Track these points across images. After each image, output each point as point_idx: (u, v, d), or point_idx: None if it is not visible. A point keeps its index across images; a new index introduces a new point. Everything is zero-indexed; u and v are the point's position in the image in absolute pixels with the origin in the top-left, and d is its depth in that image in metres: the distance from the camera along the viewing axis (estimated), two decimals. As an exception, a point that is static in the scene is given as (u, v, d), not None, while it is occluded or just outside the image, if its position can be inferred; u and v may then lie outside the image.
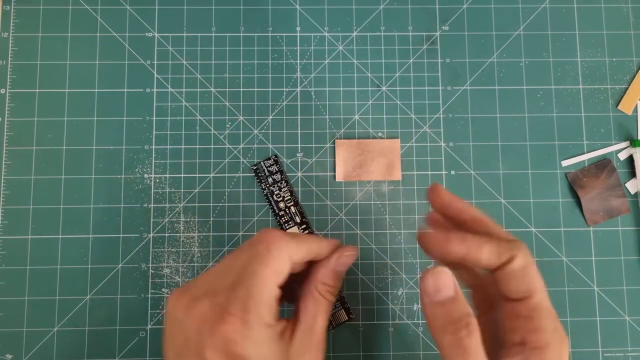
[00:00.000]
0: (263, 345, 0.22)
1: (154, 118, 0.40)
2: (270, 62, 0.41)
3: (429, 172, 0.40)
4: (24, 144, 0.40)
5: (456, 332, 0.21)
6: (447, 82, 0.41)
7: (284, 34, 0.41)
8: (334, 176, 0.40)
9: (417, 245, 0.39)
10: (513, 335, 0.22)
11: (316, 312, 0.25)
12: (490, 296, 0.26)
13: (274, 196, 0.39)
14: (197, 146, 0.40)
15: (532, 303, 0.22)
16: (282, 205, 0.39)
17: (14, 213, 0.39)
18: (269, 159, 0.40)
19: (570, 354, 0.38)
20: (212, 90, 0.41)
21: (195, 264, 0.39)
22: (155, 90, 0.40)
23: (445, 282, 0.22)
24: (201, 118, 0.40)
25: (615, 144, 0.40)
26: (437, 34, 0.42)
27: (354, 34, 0.42)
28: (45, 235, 0.39)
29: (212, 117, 0.40)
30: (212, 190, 0.40)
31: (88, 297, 0.38)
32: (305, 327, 0.25)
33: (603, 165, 0.40)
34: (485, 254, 0.22)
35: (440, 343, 0.22)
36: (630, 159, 0.40)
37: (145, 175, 0.40)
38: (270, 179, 0.39)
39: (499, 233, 0.24)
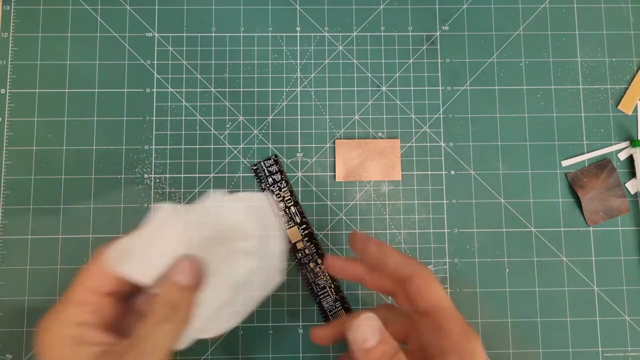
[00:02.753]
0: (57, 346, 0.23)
1: (154, 118, 0.40)
2: (270, 62, 0.41)
3: (429, 172, 0.40)
4: (24, 144, 0.40)
5: None
6: (447, 82, 0.41)
7: (284, 34, 0.41)
8: (334, 176, 0.40)
9: (417, 245, 0.39)
10: (432, 348, 0.25)
11: (153, 335, 0.23)
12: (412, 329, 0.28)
13: (274, 196, 0.39)
14: (197, 146, 0.40)
15: (439, 314, 0.26)
16: (282, 205, 0.39)
17: (14, 213, 0.39)
18: (269, 159, 0.40)
19: (570, 354, 0.38)
20: (212, 90, 0.41)
21: (195, 264, 0.39)
22: (155, 90, 0.40)
23: (371, 329, 0.24)
24: (201, 118, 0.40)
25: (615, 144, 0.40)
26: (437, 34, 0.42)
27: (354, 34, 0.42)
28: (45, 235, 0.39)
29: (212, 117, 0.40)
30: (212, 190, 0.39)
31: (88, 297, 0.38)
32: (131, 352, 0.22)
33: (603, 165, 0.40)
34: (391, 262, 0.27)
35: None
36: (630, 159, 0.40)
37: (146, 175, 0.40)
38: (270, 179, 0.39)
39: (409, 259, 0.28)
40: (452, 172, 0.40)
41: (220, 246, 0.27)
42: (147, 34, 0.41)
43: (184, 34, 0.41)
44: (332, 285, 0.38)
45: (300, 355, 0.38)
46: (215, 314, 0.27)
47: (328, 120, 0.41)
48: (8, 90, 0.40)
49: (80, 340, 0.23)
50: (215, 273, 0.26)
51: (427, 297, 0.26)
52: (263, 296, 0.28)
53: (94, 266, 0.24)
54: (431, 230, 0.39)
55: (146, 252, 0.25)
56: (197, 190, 0.39)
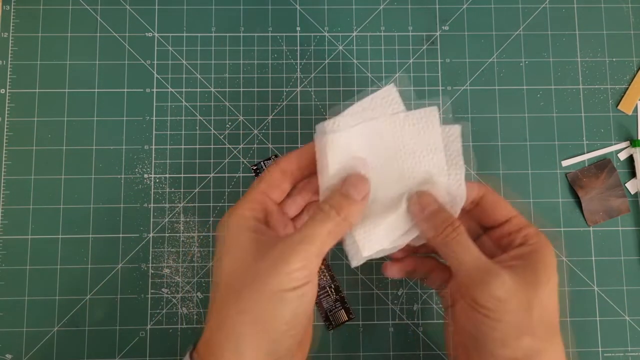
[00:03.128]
0: (235, 229, 0.27)
1: (154, 118, 0.40)
2: (270, 62, 0.41)
3: (429, 172, 0.40)
4: (24, 144, 0.40)
5: (443, 232, 0.27)
6: (447, 82, 0.41)
7: (284, 34, 0.41)
8: (334, 176, 0.40)
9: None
10: (509, 247, 0.28)
11: (311, 225, 0.26)
12: (447, 274, 0.31)
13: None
14: (197, 146, 0.40)
15: (515, 221, 0.29)
16: (282, 205, 0.39)
17: (14, 213, 0.39)
18: (269, 159, 0.40)
19: (571, 353, 0.38)
20: (212, 90, 0.41)
21: (195, 264, 0.39)
22: (155, 90, 0.40)
23: (428, 200, 0.28)
24: (201, 118, 0.40)
25: (615, 144, 0.40)
26: (437, 34, 0.42)
27: (354, 34, 0.42)
28: (45, 235, 0.39)
29: (212, 117, 0.40)
30: (212, 190, 0.40)
31: (88, 297, 0.38)
32: (294, 238, 0.26)
33: (603, 165, 0.40)
34: None
35: (438, 250, 0.28)
36: (630, 159, 0.40)
37: (145, 175, 0.40)
38: (270, 179, 0.39)
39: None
40: (452, 172, 0.40)
41: (390, 167, 0.29)
42: (147, 34, 0.41)
43: (184, 34, 0.41)
44: (332, 286, 0.38)
45: (300, 355, 0.38)
46: (375, 233, 0.28)
47: (328, 120, 0.40)
48: (8, 90, 0.40)
49: (249, 228, 0.27)
50: (383, 189, 0.29)
51: (502, 208, 0.29)
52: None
53: (269, 174, 0.29)
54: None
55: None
56: (197, 190, 0.39)
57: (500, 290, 0.25)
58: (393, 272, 0.32)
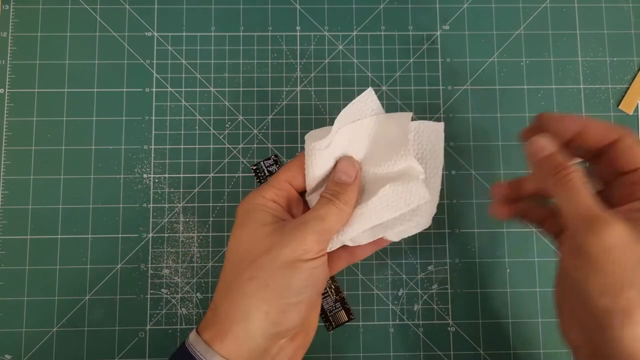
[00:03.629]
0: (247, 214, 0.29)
1: (153, 118, 0.40)
2: (270, 61, 0.41)
3: (430, 172, 0.40)
4: (23, 144, 0.40)
5: (558, 173, 0.26)
6: (447, 82, 0.41)
7: (284, 34, 0.41)
8: (334, 176, 0.40)
9: (418, 246, 0.39)
10: (632, 197, 0.26)
11: (320, 208, 0.28)
12: (559, 223, 0.30)
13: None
14: (197, 146, 0.40)
15: None
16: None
17: (13, 213, 0.39)
18: (269, 158, 0.40)
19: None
20: (212, 89, 0.41)
21: (195, 264, 0.39)
22: (154, 89, 0.40)
23: (544, 143, 0.27)
24: (200, 118, 0.40)
25: (616, 143, 0.40)
26: (438, 33, 0.42)
27: (354, 33, 0.41)
28: (44, 236, 0.39)
29: (212, 117, 0.40)
30: (211, 190, 0.39)
31: (87, 297, 0.38)
32: (307, 217, 0.28)
33: (604, 165, 0.40)
34: (592, 131, 0.28)
35: (551, 192, 0.27)
36: (631, 159, 0.40)
37: (145, 175, 0.39)
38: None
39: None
40: (453, 172, 0.40)
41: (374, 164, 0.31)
42: (146, 33, 0.41)
43: (184, 34, 0.41)
44: (332, 286, 0.38)
45: (300, 355, 0.38)
46: (362, 224, 0.30)
47: (328, 120, 0.40)
48: (7, 90, 0.40)
49: (270, 208, 0.29)
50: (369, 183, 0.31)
51: (635, 155, 0.27)
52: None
53: (293, 163, 0.31)
54: (432, 231, 0.39)
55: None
56: (196, 190, 0.39)
57: (609, 240, 0.23)
58: (502, 213, 0.31)
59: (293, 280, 0.27)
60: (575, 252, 0.24)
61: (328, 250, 0.30)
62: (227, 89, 0.41)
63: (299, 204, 0.31)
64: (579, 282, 0.24)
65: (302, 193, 0.32)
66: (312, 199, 0.31)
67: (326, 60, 0.41)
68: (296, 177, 0.30)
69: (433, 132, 0.31)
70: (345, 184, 0.29)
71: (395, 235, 0.31)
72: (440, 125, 0.31)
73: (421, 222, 0.31)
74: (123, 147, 0.40)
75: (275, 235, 0.27)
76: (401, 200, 0.29)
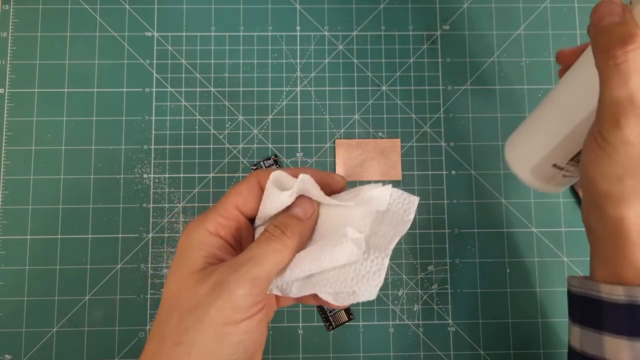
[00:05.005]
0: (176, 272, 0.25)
1: (153, 118, 0.40)
2: (270, 61, 0.41)
3: (429, 172, 0.40)
4: (23, 144, 0.40)
5: (610, 52, 0.22)
6: (447, 82, 0.41)
7: (284, 34, 0.41)
8: (334, 176, 0.40)
9: (418, 246, 0.39)
10: None
11: (257, 246, 0.24)
12: None
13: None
14: (197, 146, 0.40)
15: None
16: (281, 205, 0.39)
17: (13, 213, 0.39)
18: (269, 158, 0.40)
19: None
20: (212, 89, 0.40)
21: (195, 264, 0.39)
22: (154, 89, 0.40)
23: (611, 8, 0.23)
24: (200, 118, 0.40)
25: (617, 143, 0.40)
26: (438, 33, 0.41)
27: (354, 33, 0.41)
28: (44, 236, 0.39)
29: (212, 117, 0.40)
30: (211, 190, 0.39)
31: (87, 297, 0.38)
32: (240, 260, 0.24)
33: (604, 165, 0.40)
34: None
35: (600, 67, 0.23)
36: (632, 159, 0.40)
37: (145, 175, 0.39)
38: (270, 179, 0.39)
39: None
40: (453, 172, 0.40)
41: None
42: (146, 33, 0.41)
43: (184, 34, 0.41)
44: (332, 286, 0.38)
45: (300, 355, 0.38)
46: (295, 270, 0.26)
47: (328, 120, 0.40)
48: (7, 90, 0.40)
49: (208, 244, 0.25)
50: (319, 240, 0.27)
51: None
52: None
53: (244, 186, 0.26)
54: (432, 231, 0.39)
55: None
56: (196, 190, 0.39)
57: (630, 136, 0.23)
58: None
59: (220, 349, 0.23)
60: (593, 142, 0.24)
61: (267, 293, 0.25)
62: (227, 89, 0.41)
63: (252, 234, 0.27)
64: (588, 173, 0.25)
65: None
66: (258, 232, 0.27)
67: (326, 60, 0.41)
68: (247, 201, 0.26)
69: (405, 205, 0.28)
70: (298, 219, 0.26)
71: (332, 298, 0.27)
72: (416, 200, 0.27)
73: (360, 292, 0.26)
74: (123, 147, 0.40)
75: (202, 288, 0.23)
76: (327, 255, 0.25)
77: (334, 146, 0.40)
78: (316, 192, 0.26)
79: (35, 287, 0.38)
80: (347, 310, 0.38)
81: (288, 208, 0.26)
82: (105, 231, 0.39)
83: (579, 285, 0.27)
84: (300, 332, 0.38)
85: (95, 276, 0.38)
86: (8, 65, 0.40)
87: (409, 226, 0.27)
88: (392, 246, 0.26)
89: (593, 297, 0.26)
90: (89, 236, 0.39)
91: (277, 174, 0.26)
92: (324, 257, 0.25)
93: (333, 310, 0.38)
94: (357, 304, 0.38)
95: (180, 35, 0.41)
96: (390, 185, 0.27)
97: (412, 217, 0.27)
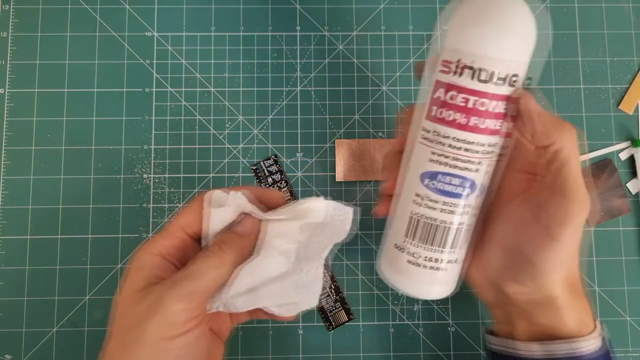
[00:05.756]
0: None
1: (153, 118, 0.40)
2: (270, 61, 0.41)
3: (430, 172, 0.40)
4: (23, 144, 0.40)
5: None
6: (447, 82, 0.41)
7: (284, 33, 0.41)
8: (334, 176, 0.40)
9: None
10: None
11: (195, 263, 0.25)
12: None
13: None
14: (197, 146, 0.40)
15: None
16: (281, 205, 0.39)
17: (13, 213, 0.39)
18: (269, 158, 0.40)
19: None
20: (212, 89, 0.41)
21: (195, 264, 0.39)
22: (154, 89, 0.40)
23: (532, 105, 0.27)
24: (200, 118, 0.40)
25: (616, 143, 0.40)
26: (438, 33, 0.41)
27: (354, 33, 0.41)
28: (44, 236, 0.39)
29: (212, 117, 0.40)
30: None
31: (87, 297, 0.38)
32: (177, 277, 0.24)
33: (604, 165, 0.40)
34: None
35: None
36: (632, 159, 0.40)
37: (145, 175, 0.39)
38: (270, 179, 0.39)
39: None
40: (453, 172, 0.40)
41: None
42: (146, 33, 0.41)
43: (184, 33, 0.41)
44: (332, 286, 0.38)
45: (300, 355, 0.38)
46: (247, 289, 0.27)
47: (328, 120, 0.40)
48: (7, 90, 0.40)
49: (151, 265, 0.25)
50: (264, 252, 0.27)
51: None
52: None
53: (189, 209, 0.27)
54: (431, 231, 0.39)
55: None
56: (196, 190, 0.39)
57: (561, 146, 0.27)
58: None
59: None
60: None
61: (209, 312, 0.26)
62: (227, 89, 0.41)
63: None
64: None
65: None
66: None
67: (326, 61, 0.41)
68: (191, 223, 0.27)
69: (341, 216, 0.28)
70: (238, 235, 0.26)
71: (277, 309, 0.28)
72: (350, 210, 0.28)
73: (301, 302, 0.28)
74: (123, 147, 0.40)
75: (141, 306, 0.23)
76: (259, 267, 0.27)
77: (334, 146, 0.40)
78: (250, 208, 0.27)
79: (35, 287, 0.38)
80: (347, 311, 0.38)
81: (230, 225, 0.27)
82: (105, 231, 0.39)
83: (497, 343, 0.29)
84: (300, 332, 0.38)
85: (95, 276, 0.38)
86: (8, 65, 0.40)
87: (345, 236, 0.28)
88: (325, 255, 0.28)
89: (511, 354, 0.28)
90: (89, 236, 0.39)
91: (215, 193, 0.27)
92: (258, 269, 0.26)
93: (333, 310, 0.38)
94: (357, 304, 0.38)
95: (180, 35, 0.41)
96: (328, 197, 0.28)
97: (348, 227, 0.28)
